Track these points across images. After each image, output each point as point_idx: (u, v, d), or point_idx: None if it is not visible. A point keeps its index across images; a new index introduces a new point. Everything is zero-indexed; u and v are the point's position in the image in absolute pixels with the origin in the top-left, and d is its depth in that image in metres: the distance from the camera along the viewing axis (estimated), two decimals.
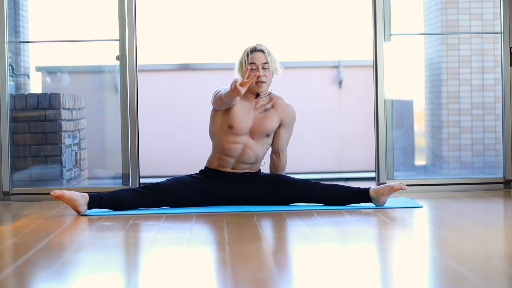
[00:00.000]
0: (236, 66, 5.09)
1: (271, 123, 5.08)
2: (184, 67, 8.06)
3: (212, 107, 5.11)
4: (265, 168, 5.56)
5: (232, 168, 5.08)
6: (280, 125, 5.12)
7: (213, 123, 5.11)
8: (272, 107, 5.11)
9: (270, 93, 5.15)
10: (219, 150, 5.07)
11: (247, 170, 5.09)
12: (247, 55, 5.04)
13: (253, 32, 8.10)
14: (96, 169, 6.14)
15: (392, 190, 4.90)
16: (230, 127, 5.03)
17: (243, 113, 5.05)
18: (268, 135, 5.09)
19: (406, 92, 6.14)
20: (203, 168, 5.15)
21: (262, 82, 5.02)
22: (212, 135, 5.13)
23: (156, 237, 4.03)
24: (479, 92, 6.18)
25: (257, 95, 5.09)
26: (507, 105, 5.90)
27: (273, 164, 5.18)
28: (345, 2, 8.17)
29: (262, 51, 5.05)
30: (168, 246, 3.83)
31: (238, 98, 4.91)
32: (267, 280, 3.07)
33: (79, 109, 6.18)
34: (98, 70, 6.03)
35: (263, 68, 5.04)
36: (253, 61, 5.02)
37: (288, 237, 4.07)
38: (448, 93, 6.24)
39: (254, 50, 5.05)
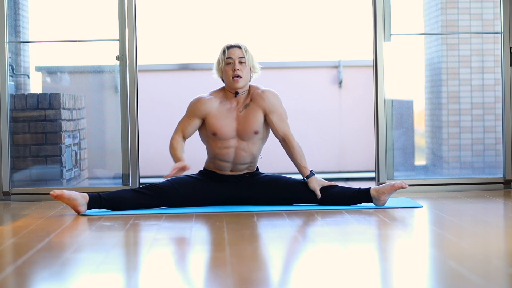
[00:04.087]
0: (214, 65, 5.07)
1: (255, 119, 4.99)
2: (184, 67, 8.06)
3: None
4: (264, 163, 5.54)
5: (230, 171, 5.06)
6: (266, 114, 5.03)
7: (200, 131, 5.08)
8: (251, 100, 5.03)
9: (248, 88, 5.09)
10: (212, 155, 5.04)
11: (246, 171, 5.08)
12: (224, 51, 5.02)
13: (253, 32, 8.10)
14: (96, 169, 6.14)
15: (393, 188, 4.88)
16: (214, 134, 4.99)
17: (224, 117, 4.98)
18: (257, 132, 5.00)
19: (406, 92, 6.14)
20: (202, 169, 5.14)
21: (239, 76, 4.96)
22: (203, 141, 5.11)
23: (156, 237, 4.03)
24: (479, 92, 6.18)
25: (236, 93, 5.05)
26: (507, 105, 5.90)
27: (288, 153, 5.05)
28: (345, 2, 8.17)
29: (239, 47, 5.03)
30: (168, 246, 3.83)
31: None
32: (267, 280, 3.07)
33: (79, 109, 6.18)
34: (98, 70, 6.03)
35: (240, 63, 4.98)
36: (230, 56, 5.00)
37: (288, 237, 4.07)
38: (448, 93, 6.23)
39: (231, 46, 5.03)
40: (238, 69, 4.95)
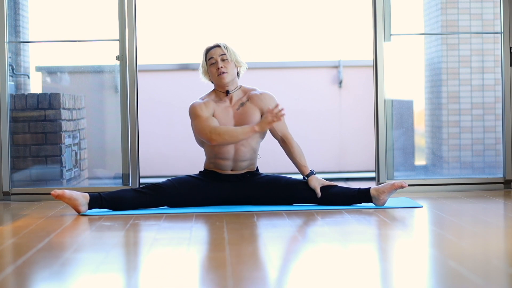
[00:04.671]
0: (200, 70, 5.13)
1: (252, 116, 5.02)
2: (184, 67, 8.06)
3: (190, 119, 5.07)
4: (263, 163, 5.55)
5: (231, 170, 5.06)
6: (263, 114, 5.04)
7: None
8: (248, 100, 5.07)
9: (241, 87, 5.11)
10: (212, 155, 5.04)
11: (246, 170, 5.08)
12: (205, 54, 5.08)
13: (253, 32, 8.10)
14: (96, 169, 6.14)
15: (393, 187, 4.89)
16: None
17: (222, 116, 5.01)
18: None
19: (406, 92, 6.14)
20: (202, 169, 5.14)
21: (223, 72, 5.01)
22: (201, 144, 5.10)
23: (156, 237, 4.03)
24: (479, 92, 6.19)
25: (227, 92, 5.07)
26: (507, 105, 5.90)
27: (288, 154, 5.09)
28: (345, 2, 8.17)
29: (218, 45, 5.07)
30: (168, 246, 3.83)
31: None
32: (267, 280, 3.08)
33: (79, 109, 6.18)
34: (98, 70, 6.03)
35: (222, 60, 5.03)
36: (211, 56, 5.05)
37: (288, 237, 4.07)
38: (448, 93, 6.24)
39: (210, 48, 5.08)
40: (221, 67, 5.01)
